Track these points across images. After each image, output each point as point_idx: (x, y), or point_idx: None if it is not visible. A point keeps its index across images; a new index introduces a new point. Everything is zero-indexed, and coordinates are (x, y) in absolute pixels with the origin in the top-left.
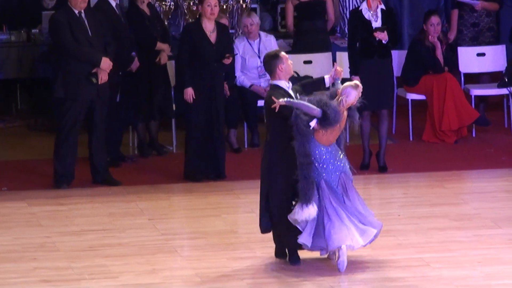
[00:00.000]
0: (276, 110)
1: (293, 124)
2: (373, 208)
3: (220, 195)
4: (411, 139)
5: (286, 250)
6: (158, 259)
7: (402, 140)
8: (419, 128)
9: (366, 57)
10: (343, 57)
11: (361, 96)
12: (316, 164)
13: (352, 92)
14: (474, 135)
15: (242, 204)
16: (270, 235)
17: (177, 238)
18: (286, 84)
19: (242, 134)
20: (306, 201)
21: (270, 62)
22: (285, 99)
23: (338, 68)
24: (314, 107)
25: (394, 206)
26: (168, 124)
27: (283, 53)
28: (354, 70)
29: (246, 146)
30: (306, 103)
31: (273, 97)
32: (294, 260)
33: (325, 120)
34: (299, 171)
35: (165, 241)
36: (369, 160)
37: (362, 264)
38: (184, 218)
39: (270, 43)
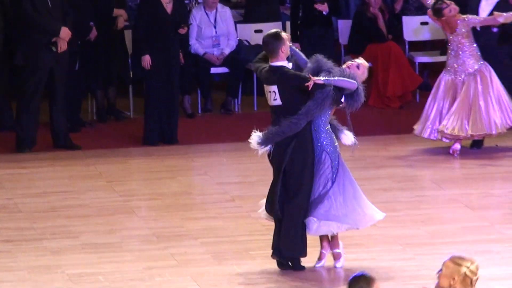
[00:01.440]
0: (310, 89)
1: (320, 100)
2: None
3: (175, 159)
4: None
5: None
6: (116, 219)
7: None
8: (365, 93)
9: (307, 27)
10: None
11: None
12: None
13: (361, 66)
14: (418, 100)
15: (196, 167)
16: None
17: (134, 200)
18: (288, 64)
19: (196, 100)
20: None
21: (273, 43)
22: (322, 78)
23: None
24: (350, 80)
25: None
26: (126, 91)
27: (284, 34)
28: (296, 38)
29: (199, 112)
30: (342, 78)
31: (310, 75)
32: (300, 268)
33: (357, 95)
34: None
35: (123, 202)
36: None
37: None
38: (141, 181)
39: (225, 14)
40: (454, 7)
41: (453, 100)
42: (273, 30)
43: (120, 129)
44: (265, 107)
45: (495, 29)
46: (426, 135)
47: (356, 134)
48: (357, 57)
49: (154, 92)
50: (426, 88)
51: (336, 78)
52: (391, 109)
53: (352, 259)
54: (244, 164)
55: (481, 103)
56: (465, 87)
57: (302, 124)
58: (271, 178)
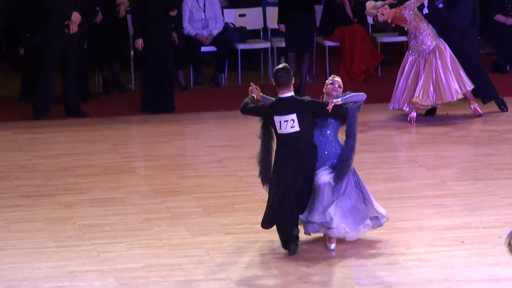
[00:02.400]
0: (330, 111)
1: (352, 117)
2: None
3: (170, 125)
4: (327, 77)
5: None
6: (120, 177)
7: (320, 79)
8: (334, 69)
9: (292, 11)
10: (272, 11)
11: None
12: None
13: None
14: (380, 74)
15: (188, 132)
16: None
17: (135, 161)
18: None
19: (189, 75)
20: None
21: (286, 76)
22: (339, 99)
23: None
24: (359, 93)
25: None
26: (128, 66)
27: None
28: (281, 20)
29: (192, 85)
30: (351, 93)
31: (331, 100)
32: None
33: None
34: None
35: (125, 163)
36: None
37: None
38: (141, 144)
39: (213, 0)
40: (387, 11)
41: (418, 76)
42: (282, 65)
43: (123, 99)
44: (248, 80)
45: (441, 5)
46: (397, 107)
47: None
48: (327, 38)
49: (149, 68)
50: (386, 64)
51: (348, 96)
52: (357, 82)
53: None
54: (230, 130)
55: (442, 76)
56: (428, 64)
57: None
58: (254, 142)
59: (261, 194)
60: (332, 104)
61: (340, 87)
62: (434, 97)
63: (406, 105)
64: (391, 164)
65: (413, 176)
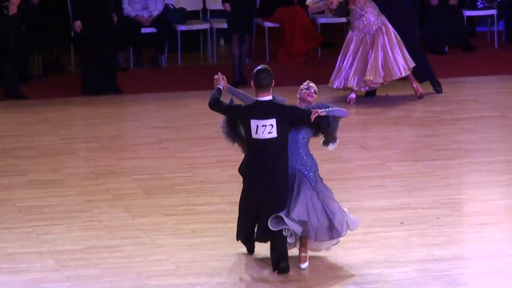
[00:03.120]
0: (312, 120)
1: (332, 129)
2: None
3: (110, 107)
4: (267, 59)
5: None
6: (60, 159)
7: (260, 60)
8: (274, 50)
9: None
10: None
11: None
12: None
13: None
14: (320, 55)
15: (128, 114)
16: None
17: (75, 142)
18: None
19: (129, 56)
20: None
21: (269, 78)
22: (323, 110)
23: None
24: (342, 109)
25: None
26: (68, 48)
27: None
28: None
29: (132, 66)
30: (334, 107)
31: (315, 110)
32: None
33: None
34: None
35: (66, 145)
36: (240, 77)
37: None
38: (81, 126)
39: None
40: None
41: (366, 54)
42: (263, 66)
43: (63, 81)
44: (188, 62)
45: None
46: (342, 86)
47: None
48: (267, 19)
49: (89, 49)
50: (326, 45)
51: (331, 109)
52: (297, 64)
53: None
54: (170, 111)
55: (390, 52)
56: (375, 42)
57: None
58: (195, 123)
59: (201, 176)
60: (316, 115)
61: (315, 93)
62: (383, 74)
63: (355, 83)
64: None
65: (353, 157)
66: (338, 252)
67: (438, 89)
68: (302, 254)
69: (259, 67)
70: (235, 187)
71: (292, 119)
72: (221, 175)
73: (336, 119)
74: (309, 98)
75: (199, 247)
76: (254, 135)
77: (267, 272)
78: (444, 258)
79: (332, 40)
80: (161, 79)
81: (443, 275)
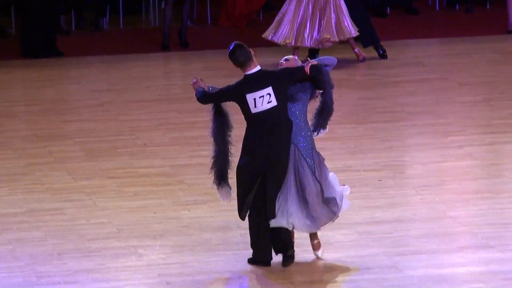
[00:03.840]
0: (308, 73)
1: (326, 80)
2: (177, 79)
3: (52, 69)
4: (208, 23)
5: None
6: (1, 122)
7: (202, 24)
8: (216, 13)
9: None
10: None
11: None
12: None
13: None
14: (261, 18)
15: (70, 77)
16: None
17: (17, 105)
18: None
19: (70, 19)
20: None
21: (245, 53)
22: (313, 60)
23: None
24: (329, 57)
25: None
26: (9, 11)
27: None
28: None
29: (73, 29)
30: (323, 56)
31: (307, 62)
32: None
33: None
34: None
35: (7, 107)
36: (168, 42)
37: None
38: (22, 88)
39: None
40: None
41: (318, 13)
42: (234, 44)
43: (4, 44)
44: (129, 25)
45: None
46: (278, 40)
47: (207, 47)
48: None
49: (30, 12)
50: (268, 8)
51: (320, 58)
52: (239, 27)
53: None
54: (112, 74)
55: (342, 13)
56: (327, 3)
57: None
58: (137, 86)
59: (143, 139)
60: (310, 64)
61: (285, 61)
62: (336, 33)
63: (293, 41)
64: None
65: None
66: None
67: (382, 52)
68: (316, 241)
69: (230, 48)
70: (178, 149)
71: (288, 81)
72: (164, 137)
73: (328, 66)
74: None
75: (142, 209)
76: (253, 110)
77: (208, 235)
78: (386, 220)
79: (273, 2)
80: (103, 42)
81: (385, 237)
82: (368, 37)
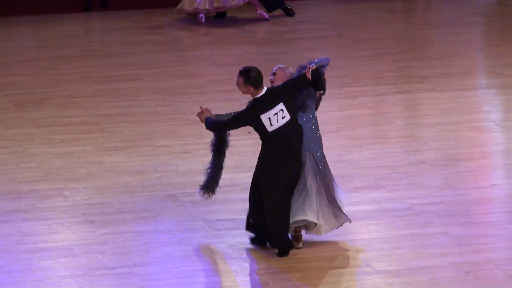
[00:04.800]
0: (310, 78)
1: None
2: (98, 37)
3: None
4: None
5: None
6: None
7: None
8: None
9: None
10: None
11: None
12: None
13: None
14: None
15: (1, 35)
16: None
17: None
18: None
19: None
20: None
21: (260, 75)
22: (311, 64)
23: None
24: (323, 57)
25: (116, 34)
26: None
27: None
28: None
29: None
30: (317, 59)
31: (307, 68)
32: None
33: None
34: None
35: None
36: (91, 3)
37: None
38: None
39: None
40: None
41: None
42: (249, 66)
43: None
44: None
45: None
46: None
47: (127, 8)
48: None
49: None
50: None
51: (316, 60)
52: None
53: (122, 106)
54: (40, 32)
55: None
56: None
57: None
58: (63, 43)
59: (68, 91)
60: (310, 70)
61: (273, 74)
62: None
63: (209, 5)
64: (184, 63)
65: (204, 73)
66: (192, 160)
67: (291, 12)
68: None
69: (244, 70)
70: (99, 100)
71: (295, 92)
72: (87, 90)
73: (324, 67)
74: (272, 78)
75: (67, 155)
76: (270, 128)
77: (127, 178)
78: None
79: None
80: (31, 3)
81: None
82: (271, 2)
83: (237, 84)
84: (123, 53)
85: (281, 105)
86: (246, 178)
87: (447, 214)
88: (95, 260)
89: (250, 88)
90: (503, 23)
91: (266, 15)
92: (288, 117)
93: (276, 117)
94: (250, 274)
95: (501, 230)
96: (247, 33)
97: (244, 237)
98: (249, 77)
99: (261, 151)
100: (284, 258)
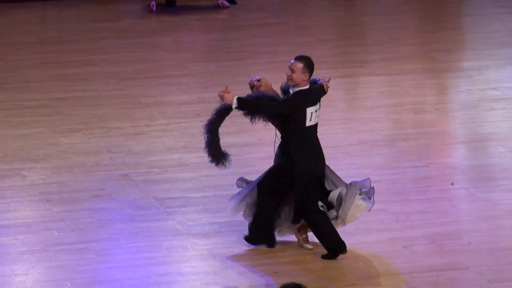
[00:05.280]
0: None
1: None
2: (54, 24)
3: None
4: None
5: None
6: None
7: None
8: None
9: None
10: None
11: None
12: None
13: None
14: None
15: None
16: None
17: None
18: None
19: None
20: None
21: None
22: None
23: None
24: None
25: (72, 22)
26: None
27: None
28: None
29: None
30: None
31: (323, 82)
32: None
33: None
34: None
35: None
36: None
37: None
38: None
39: None
40: None
41: None
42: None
43: None
44: None
45: None
46: None
47: None
48: None
49: None
50: None
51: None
52: None
53: (77, 90)
54: None
55: None
56: None
57: None
58: (19, 30)
59: (26, 76)
60: (326, 84)
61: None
62: None
63: None
64: (136, 49)
65: (155, 58)
66: (144, 140)
67: (234, 0)
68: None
69: (304, 56)
70: (56, 85)
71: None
72: (43, 74)
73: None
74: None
75: (25, 137)
76: (308, 123)
77: (83, 158)
78: (235, 144)
79: None
80: None
81: (236, 159)
82: None
83: (293, 70)
84: (79, 39)
85: (318, 105)
86: (195, 158)
87: (386, 192)
88: (52, 236)
89: (307, 75)
90: (437, 11)
91: (227, 4)
92: (317, 120)
93: (314, 114)
94: (200, 249)
95: (436, 207)
96: (199, 21)
97: (193, 214)
98: (310, 63)
99: (284, 146)
100: (235, 235)
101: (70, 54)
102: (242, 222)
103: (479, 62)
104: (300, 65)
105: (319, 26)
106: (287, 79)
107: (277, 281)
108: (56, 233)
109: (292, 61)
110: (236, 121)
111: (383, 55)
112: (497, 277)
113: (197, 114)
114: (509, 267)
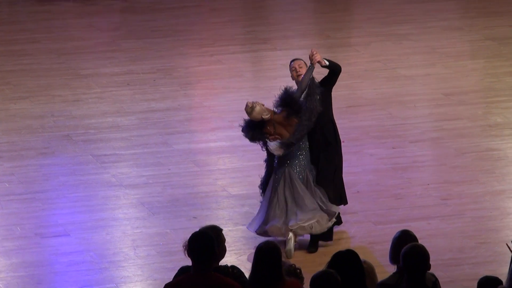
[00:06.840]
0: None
1: None
2: (2, 7)
3: None
4: None
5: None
6: None
7: None
8: None
9: None
10: None
11: None
12: None
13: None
14: None
15: None
16: None
17: None
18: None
19: None
20: None
21: None
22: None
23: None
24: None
25: (19, 5)
26: None
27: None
28: None
29: None
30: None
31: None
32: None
33: None
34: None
35: None
36: None
37: None
38: None
39: None
40: None
41: None
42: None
43: None
44: None
45: None
46: None
47: None
48: None
49: None
50: None
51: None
52: None
53: (24, 64)
54: None
55: None
56: None
57: None
58: None
59: None
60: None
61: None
62: None
63: None
64: (73, 28)
65: (90, 37)
66: (83, 106)
67: None
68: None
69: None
70: (5, 59)
71: None
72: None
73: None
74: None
75: None
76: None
77: (30, 121)
78: (159, 109)
79: None
80: None
81: (159, 121)
82: None
83: (300, 67)
84: (25, 20)
85: None
86: (126, 121)
87: None
88: (3, 188)
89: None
90: None
91: None
92: None
93: None
94: (131, 198)
95: None
96: (125, 4)
97: (124, 168)
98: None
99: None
100: (160, 186)
101: (17, 33)
102: (167, 175)
103: (364, 39)
104: (301, 62)
105: (230, 9)
106: (297, 76)
107: (197, 224)
108: (7, 185)
109: (292, 63)
110: (159, 90)
111: (284, 33)
112: (381, 220)
113: (127, 84)
114: (392, 211)
